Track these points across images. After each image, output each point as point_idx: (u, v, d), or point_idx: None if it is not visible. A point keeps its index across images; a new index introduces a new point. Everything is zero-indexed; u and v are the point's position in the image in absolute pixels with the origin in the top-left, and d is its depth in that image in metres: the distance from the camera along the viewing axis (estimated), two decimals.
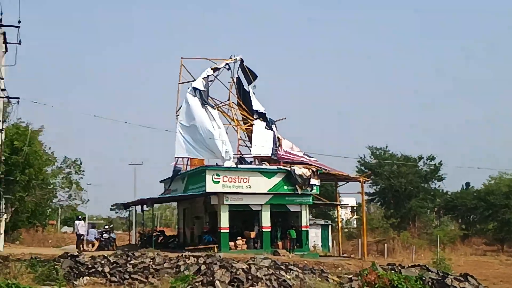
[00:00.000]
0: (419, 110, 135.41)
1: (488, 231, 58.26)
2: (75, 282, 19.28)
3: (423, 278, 21.06)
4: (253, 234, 30.51)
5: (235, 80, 35.16)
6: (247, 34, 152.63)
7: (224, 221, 29.48)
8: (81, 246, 30.16)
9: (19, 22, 19.11)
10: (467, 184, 63.95)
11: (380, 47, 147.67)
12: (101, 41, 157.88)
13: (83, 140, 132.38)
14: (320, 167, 32.37)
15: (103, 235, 32.85)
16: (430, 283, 21.06)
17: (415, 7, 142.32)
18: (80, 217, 35.08)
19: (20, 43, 19.57)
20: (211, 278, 19.23)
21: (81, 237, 30.91)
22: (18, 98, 20.71)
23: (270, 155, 32.14)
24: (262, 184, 30.25)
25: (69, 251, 24.73)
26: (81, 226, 31.06)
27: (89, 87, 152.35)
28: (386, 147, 57.94)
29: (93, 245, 30.39)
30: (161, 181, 36.86)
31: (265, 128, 33.30)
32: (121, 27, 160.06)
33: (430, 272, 22.28)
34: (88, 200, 49.53)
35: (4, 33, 18.99)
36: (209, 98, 32.54)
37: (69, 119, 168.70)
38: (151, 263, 21.37)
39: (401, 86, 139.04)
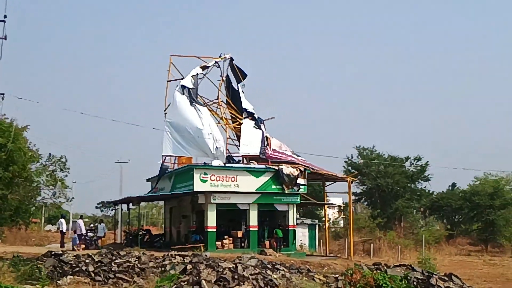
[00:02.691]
0: (408, 110, 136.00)
1: (472, 232, 58.64)
2: (58, 282, 18.99)
3: (408, 277, 21.05)
4: (240, 233, 30.41)
5: (224, 78, 35.02)
6: (237, 33, 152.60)
7: (211, 220, 29.33)
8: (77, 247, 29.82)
9: (5, 17, 18.86)
10: (453, 184, 64.29)
11: (369, 48, 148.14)
12: (88, 37, 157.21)
13: (69, 137, 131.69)
14: (308, 167, 32.34)
15: (88, 234, 32.57)
16: (415, 283, 21.05)
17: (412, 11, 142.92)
18: (64, 215, 34.63)
19: (5, 38, 19.30)
20: (197, 278, 19.04)
21: (82, 237, 30.58)
22: (3, 94, 20.41)
23: (258, 154, 32.01)
24: (250, 183, 30.14)
25: (52, 249, 24.43)
26: (81, 226, 30.63)
27: (76, 84, 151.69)
28: (373, 147, 58.17)
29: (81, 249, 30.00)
30: (148, 180, 36.62)
31: (254, 127, 33.20)
32: (109, 24, 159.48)
33: (415, 272, 22.26)
34: (73, 198, 49.33)
35: None
36: (198, 96, 32.37)
37: (55, 116, 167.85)
38: (137, 262, 21.14)
39: (389, 85, 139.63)
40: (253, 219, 30.36)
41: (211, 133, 30.40)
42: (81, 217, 32.78)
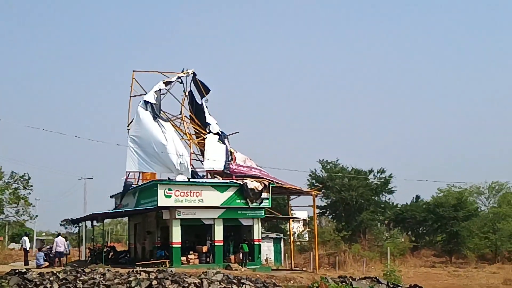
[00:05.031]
0: (370, 122, 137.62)
1: (437, 243, 59.48)
2: None
3: None
4: (205, 249, 30.31)
5: (187, 93, 35.04)
6: (198, 47, 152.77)
7: (176, 235, 29.20)
8: (59, 263, 29.47)
9: None
10: (417, 196, 65.12)
11: (329, 62, 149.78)
12: (50, 52, 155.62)
13: (32, 154, 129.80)
14: (272, 181, 32.47)
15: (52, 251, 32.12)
16: None
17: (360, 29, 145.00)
18: (28, 233, 34.04)
19: None
20: None
21: (62, 255, 30.18)
22: None
23: (222, 169, 32.04)
24: (215, 198, 30.11)
25: (16, 267, 24.07)
26: (61, 243, 30.19)
27: (37, 100, 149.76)
28: (337, 160, 58.68)
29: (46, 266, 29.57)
30: (111, 196, 36.31)
31: (218, 141, 33.24)
32: (73, 39, 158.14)
33: (380, 284, 22.57)
34: (37, 215, 48.64)
35: None
36: (161, 111, 32.31)
37: (18, 133, 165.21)
38: (101, 279, 20.97)
39: (352, 99, 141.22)
40: (218, 234, 30.33)
41: (175, 149, 30.34)
42: (59, 235, 32.45)
